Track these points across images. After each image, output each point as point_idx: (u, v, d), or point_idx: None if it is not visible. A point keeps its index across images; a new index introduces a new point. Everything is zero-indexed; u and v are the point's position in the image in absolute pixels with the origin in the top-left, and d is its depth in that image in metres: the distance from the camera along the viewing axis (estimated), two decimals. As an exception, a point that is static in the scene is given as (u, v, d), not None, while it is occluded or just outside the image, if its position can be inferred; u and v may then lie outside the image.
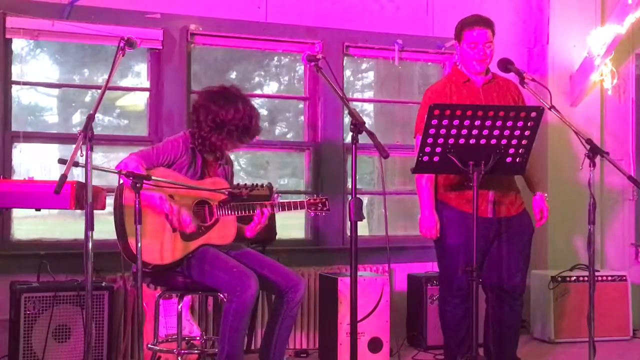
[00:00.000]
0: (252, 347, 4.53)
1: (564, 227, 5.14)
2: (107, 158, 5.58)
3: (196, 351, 3.96)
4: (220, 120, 3.46)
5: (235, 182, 3.89)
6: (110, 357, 4.14)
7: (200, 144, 3.51)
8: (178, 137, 3.53)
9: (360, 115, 2.95)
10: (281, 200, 3.60)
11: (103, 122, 6.20)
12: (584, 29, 5.39)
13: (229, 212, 3.48)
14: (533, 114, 3.19)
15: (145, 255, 3.19)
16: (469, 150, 3.21)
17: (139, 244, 3.03)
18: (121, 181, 3.27)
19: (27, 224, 5.62)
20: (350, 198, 2.90)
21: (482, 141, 3.20)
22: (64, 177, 2.65)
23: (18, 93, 4.58)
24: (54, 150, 5.30)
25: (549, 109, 3.34)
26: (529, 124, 3.20)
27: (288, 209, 3.59)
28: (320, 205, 3.62)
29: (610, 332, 5.05)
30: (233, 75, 6.43)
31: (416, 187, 3.75)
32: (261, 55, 5.91)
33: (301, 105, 5.46)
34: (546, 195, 3.82)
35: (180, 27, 4.75)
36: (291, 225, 5.43)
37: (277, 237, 4.48)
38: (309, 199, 3.63)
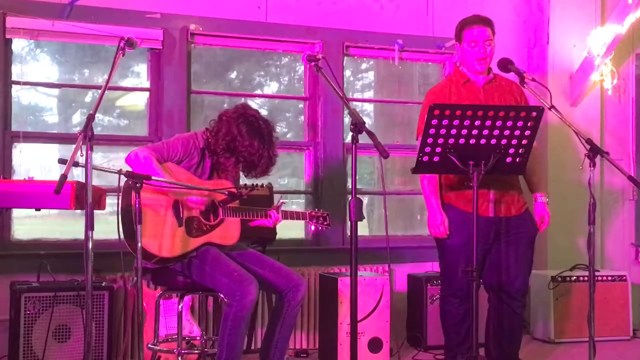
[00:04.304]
0: (252, 347, 4.54)
1: (564, 227, 5.13)
2: (107, 158, 5.57)
3: (196, 351, 3.96)
4: (234, 146, 3.44)
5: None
6: (110, 357, 4.14)
7: (210, 152, 3.50)
8: (189, 137, 3.51)
9: (360, 115, 2.96)
10: (284, 209, 3.61)
11: (103, 122, 6.18)
12: (584, 29, 5.39)
13: (234, 214, 3.48)
14: (533, 114, 3.19)
15: (150, 248, 3.25)
16: (469, 150, 3.21)
17: (139, 244, 3.03)
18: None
19: (27, 224, 5.61)
20: (350, 198, 2.91)
21: (482, 141, 3.20)
22: (64, 177, 2.65)
23: (18, 93, 4.58)
24: (54, 150, 5.29)
25: (549, 109, 3.34)
26: (529, 124, 3.20)
27: (290, 218, 3.65)
28: (321, 219, 3.71)
29: (610, 332, 5.06)
30: (233, 75, 6.41)
31: (420, 187, 3.76)
32: (261, 55, 5.90)
33: (301, 105, 5.46)
34: (547, 200, 3.80)
35: (180, 27, 4.75)
36: (291, 225, 5.41)
37: (277, 237, 4.47)
38: (311, 212, 3.73)
